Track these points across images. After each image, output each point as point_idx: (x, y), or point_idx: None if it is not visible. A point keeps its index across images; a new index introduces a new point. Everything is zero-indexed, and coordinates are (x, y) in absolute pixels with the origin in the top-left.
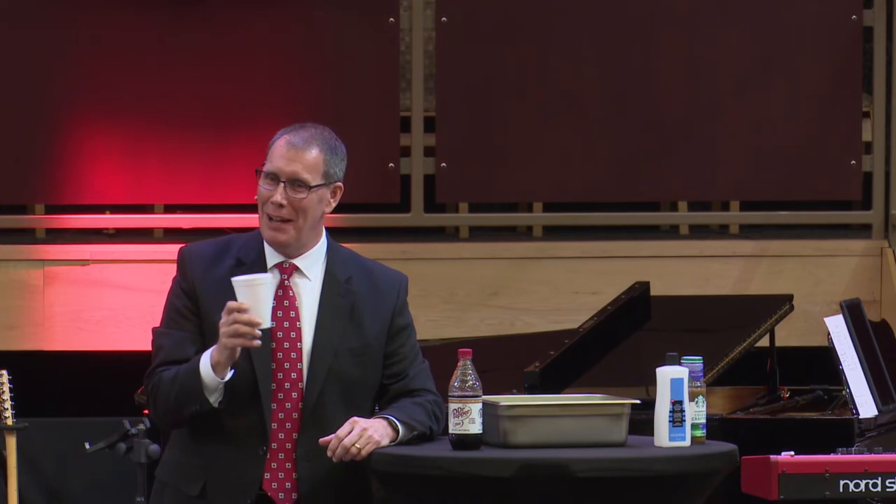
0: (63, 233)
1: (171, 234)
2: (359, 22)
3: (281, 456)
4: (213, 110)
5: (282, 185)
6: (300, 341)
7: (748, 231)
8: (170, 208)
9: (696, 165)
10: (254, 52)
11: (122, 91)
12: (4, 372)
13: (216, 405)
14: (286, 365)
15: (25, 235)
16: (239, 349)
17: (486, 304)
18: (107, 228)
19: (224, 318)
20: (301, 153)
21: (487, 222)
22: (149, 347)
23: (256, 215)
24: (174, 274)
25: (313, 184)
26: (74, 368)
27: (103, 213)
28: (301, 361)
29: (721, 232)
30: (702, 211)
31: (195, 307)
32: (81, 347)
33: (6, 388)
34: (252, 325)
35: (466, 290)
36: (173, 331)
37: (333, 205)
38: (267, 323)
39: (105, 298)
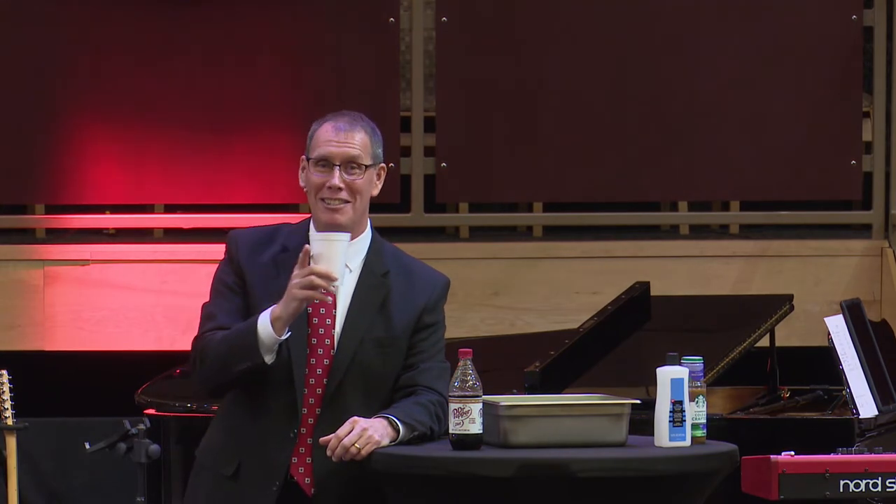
0: (63, 233)
1: (171, 235)
2: (359, 22)
3: (309, 441)
4: (214, 110)
5: (336, 168)
6: (334, 328)
7: (748, 231)
8: (170, 208)
9: (697, 165)
10: (254, 51)
11: (122, 91)
12: (4, 372)
13: (269, 363)
14: (319, 351)
15: (26, 235)
16: (304, 305)
17: (486, 304)
18: (107, 228)
19: (297, 271)
20: (350, 135)
21: (487, 222)
22: (149, 347)
23: (257, 215)
24: (174, 274)
25: (366, 163)
26: (74, 368)
27: (103, 213)
28: (334, 348)
29: (721, 232)
30: (702, 211)
31: (243, 283)
32: (81, 347)
33: (6, 388)
34: (328, 277)
35: (467, 290)
36: (223, 301)
37: (379, 186)
38: (341, 279)
39: (105, 298)
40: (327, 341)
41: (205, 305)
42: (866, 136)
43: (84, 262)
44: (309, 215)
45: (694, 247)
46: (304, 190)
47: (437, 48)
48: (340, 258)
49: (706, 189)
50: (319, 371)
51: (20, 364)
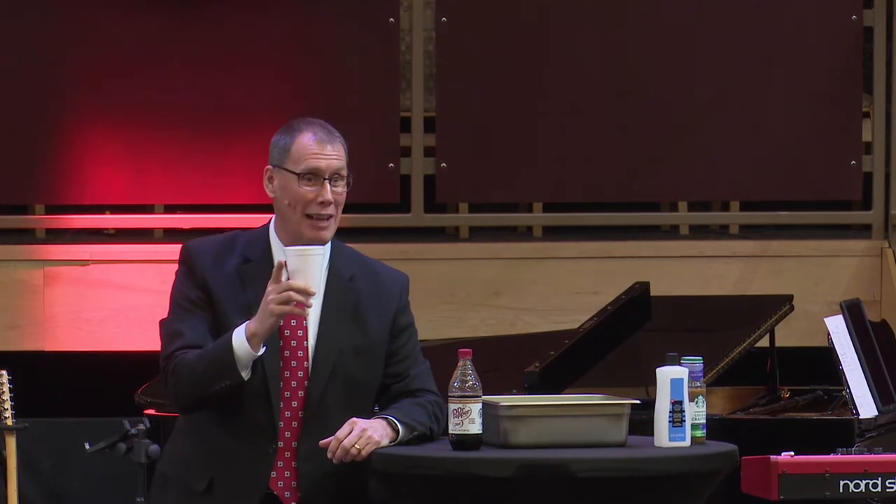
0: (63, 233)
1: (171, 235)
2: (359, 22)
3: (287, 455)
4: (214, 110)
5: (326, 182)
6: (307, 339)
7: (748, 231)
8: (170, 208)
9: (696, 165)
10: (254, 51)
11: (122, 91)
12: (4, 372)
13: (246, 379)
14: (293, 363)
15: (26, 236)
16: (280, 321)
17: (486, 305)
18: (107, 229)
19: (273, 287)
20: (333, 147)
21: (488, 222)
22: (149, 347)
23: (257, 215)
24: (175, 274)
25: (346, 174)
26: (75, 368)
27: (103, 213)
28: (308, 360)
29: (721, 232)
30: (702, 211)
31: (208, 298)
32: (82, 347)
33: (6, 388)
34: (307, 293)
35: (467, 290)
36: (190, 318)
37: None
38: (319, 293)
39: (105, 298)
40: (300, 353)
41: (166, 322)
42: (866, 137)
43: (84, 262)
44: (267, 221)
45: (694, 247)
46: (286, 202)
47: (437, 48)
48: (317, 272)
49: (706, 189)
50: (294, 384)
51: (20, 364)
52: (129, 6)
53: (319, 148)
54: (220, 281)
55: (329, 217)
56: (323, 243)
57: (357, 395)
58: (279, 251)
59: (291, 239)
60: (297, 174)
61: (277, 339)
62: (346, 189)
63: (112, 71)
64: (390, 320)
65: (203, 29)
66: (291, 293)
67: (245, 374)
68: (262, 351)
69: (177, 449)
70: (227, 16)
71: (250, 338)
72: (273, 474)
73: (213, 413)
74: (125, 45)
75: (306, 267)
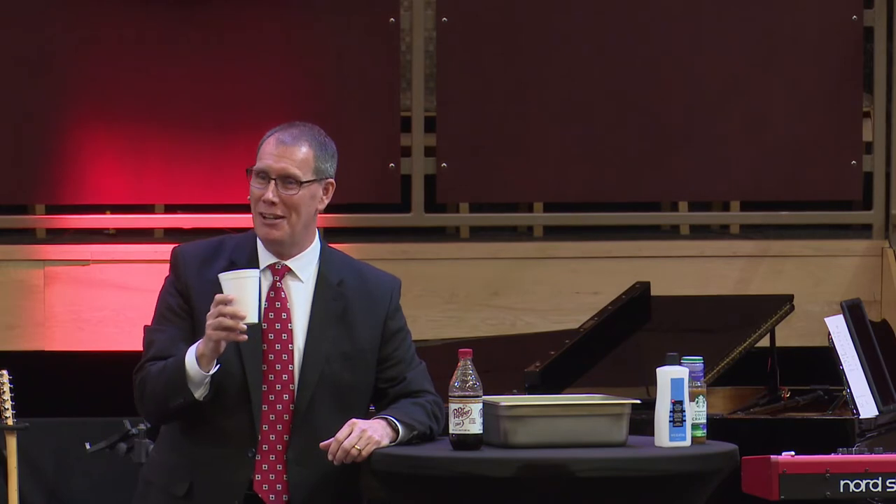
0: (63, 233)
1: (171, 235)
2: (359, 22)
3: (272, 458)
4: (214, 110)
5: (272, 182)
6: (291, 343)
7: (749, 231)
8: (170, 208)
9: (697, 165)
10: (255, 51)
11: (122, 91)
12: (5, 372)
13: (200, 399)
14: (277, 367)
15: (26, 235)
16: (223, 343)
17: (486, 305)
18: (107, 228)
19: (211, 311)
20: (290, 149)
21: (488, 222)
22: None
23: None
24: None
25: (304, 179)
26: (75, 368)
27: (104, 213)
28: (292, 364)
29: (722, 232)
30: (702, 211)
31: (188, 306)
32: (82, 347)
33: (6, 388)
34: (237, 317)
35: (467, 290)
36: (166, 327)
37: (326, 202)
38: (253, 318)
39: (105, 298)
40: (285, 356)
41: (147, 330)
42: (866, 136)
43: (84, 262)
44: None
45: (694, 247)
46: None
47: (437, 48)
48: (251, 296)
49: (706, 189)
50: (279, 387)
51: (20, 364)
52: (130, 6)
53: (275, 149)
54: (203, 288)
55: (278, 217)
56: (273, 242)
57: (347, 399)
58: (265, 254)
59: (259, 238)
60: (253, 171)
61: (261, 342)
62: (300, 193)
63: (112, 71)
64: (380, 325)
65: (203, 29)
66: (222, 319)
67: (199, 394)
68: (214, 370)
69: (159, 454)
70: (227, 16)
71: (199, 358)
72: (257, 477)
73: (194, 419)
74: (125, 45)
75: (239, 292)
